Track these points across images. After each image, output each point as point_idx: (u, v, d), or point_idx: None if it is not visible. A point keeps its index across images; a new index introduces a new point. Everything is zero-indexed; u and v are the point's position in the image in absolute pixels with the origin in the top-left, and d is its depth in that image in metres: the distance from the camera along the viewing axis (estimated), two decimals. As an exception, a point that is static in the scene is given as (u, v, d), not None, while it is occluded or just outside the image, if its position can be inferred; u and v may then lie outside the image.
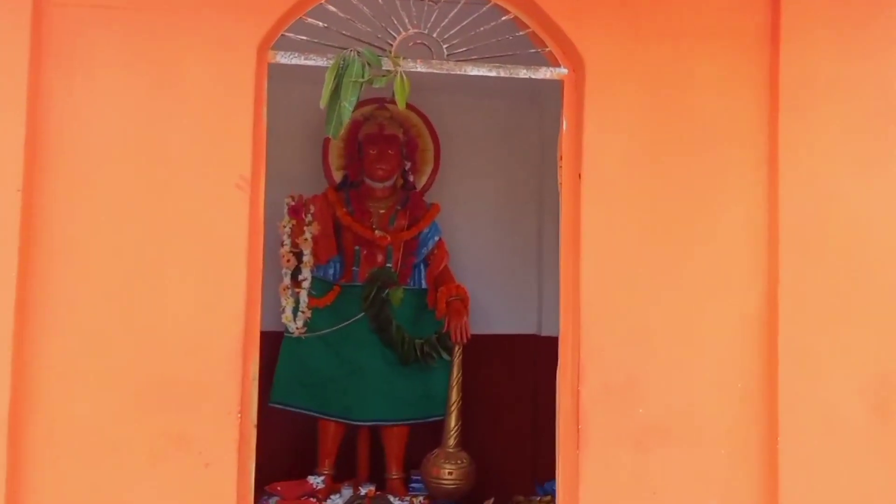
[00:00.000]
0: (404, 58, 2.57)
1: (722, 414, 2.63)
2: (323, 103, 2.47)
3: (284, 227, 4.20)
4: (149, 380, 2.35)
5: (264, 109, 2.51)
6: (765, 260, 2.68)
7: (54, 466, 2.28)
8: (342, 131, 2.63)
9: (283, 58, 2.57)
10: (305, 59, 2.59)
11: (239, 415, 2.36)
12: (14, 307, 2.25)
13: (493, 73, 2.69)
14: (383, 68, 2.53)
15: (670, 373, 2.62)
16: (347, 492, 4.08)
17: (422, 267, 4.49)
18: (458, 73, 2.68)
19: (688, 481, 2.61)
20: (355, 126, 4.51)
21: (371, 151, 4.41)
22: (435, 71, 2.66)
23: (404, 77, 2.54)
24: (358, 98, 2.50)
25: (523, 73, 2.71)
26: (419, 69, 2.63)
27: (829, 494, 2.63)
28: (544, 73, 2.74)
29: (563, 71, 2.72)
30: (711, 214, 2.69)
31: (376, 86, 2.53)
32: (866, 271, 2.74)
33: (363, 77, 2.49)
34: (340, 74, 2.49)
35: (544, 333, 4.83)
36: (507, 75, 2.70)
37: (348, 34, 2.57)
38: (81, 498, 2.30)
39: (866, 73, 2.79)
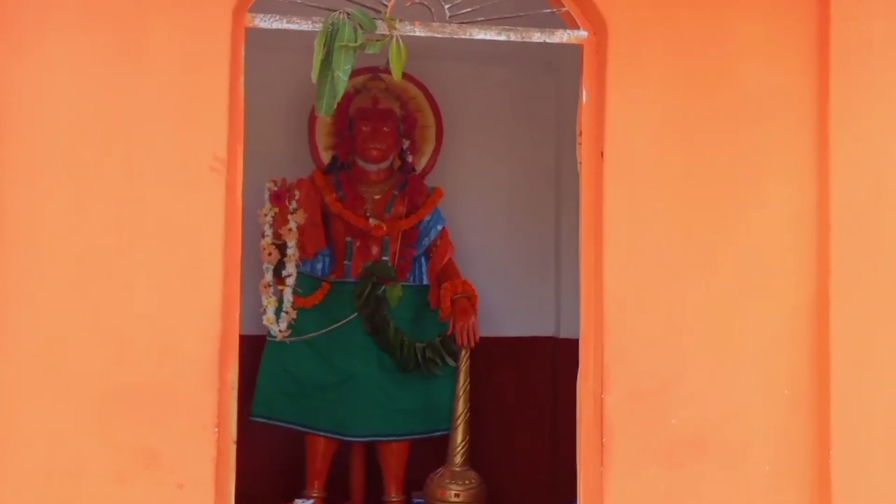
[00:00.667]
0: (401, 20, 2.57)
1: (766, 424, 2.64)
2: (314, 76, 2.46)
3: (266, 215, 4.20)
4: (114, 388, 2.36)
5: (241, 80, 2.52)
6: (814, 248, 2.69)
7: (9, 486, 2.30)
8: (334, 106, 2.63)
9: (262, 21, 2.58)
10: (287, 22, 2.59)
11: (216, 429, 2.38)
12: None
13: (503, 38, 2.69)
14: (377, 32, 2.53)
15: (707, 378, 2.63)
16: (340, 517, 4.11)
17: (423, 260, 4.51)
18: (463, 37, 2.67)
19: (728, 500, 2.62)
20: (346, 100, 4.50)
21: (364, 128, 4.41)
22: (436, 35, 2.66)
23: (401, 42, 2.54)
24: (352, 66, 2.50)
25: (537, 36, 2.71)
26: (418, 33, 2.63)
27: (888, 514, 2.65)
28: (561, 37, 2.74)
29: (583, 34, 2.72)
30: (753, 198, 2.69)
31: (369, 52, 2.52)
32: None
33: (355, 42, 2.49)
34: (330, 40, 2.49)
35: (563, 335, 4.84)
36: (519, 39, 2.70)
37: (337, -7, 2.58)
38: (38, 522, 2.32)
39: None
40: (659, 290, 2.64)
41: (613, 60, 2.64)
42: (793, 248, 2.69)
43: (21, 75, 2.37)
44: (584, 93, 2.73)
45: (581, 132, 2.74)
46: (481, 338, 4.32)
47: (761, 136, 2.70)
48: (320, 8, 2.54)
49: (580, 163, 2.76)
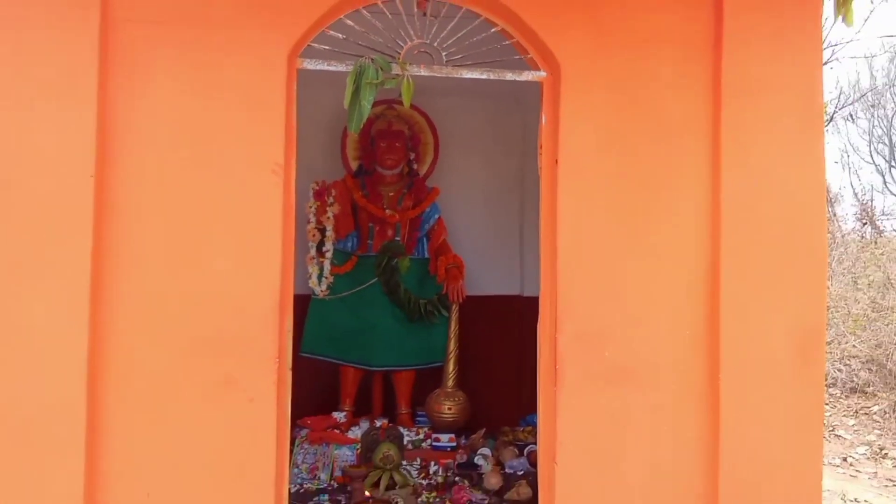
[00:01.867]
0: (410, 63, 2.55)
1: (673, 356, 2.65)
2: (346, 103, 2.45)
3: (310, 207, 4.19)
4: (202, 332, 2.34)
5: (294, 107, 2.49)
6: (709, 229, 2.69)
7: (125, 403, 2.29)
8: (361, 126, 2.60)
9: (310, 64, 2.55)
10: (328, 65, 2.57)
11: (277, 359, 2.37)
12: (90, 272, 2.24)
13: (484, 76, 2.67)
14: (393, 72, 2.51)
15: (632, 324, 2.63)
16: (365, 424, 4.11)
17: (424, 240, 4.50)
18: (455, 76, 2.65)
19: (646, 411, 2.63)
20: (368, 123, 4.49)
21: (382, 144, 4.40)
22: (436, 74, 2.63)
23: (410, 80, 2.52)
24: (374, 97, 2.48)
25: (509, 76, 2.69)
26: (422, 73, 2.60)
27: (762, 421, 2.65)
28: (527, 76, 2.72)
29: (542, 74, 2.70)
30: (666, 194, 2.68)
31: (387, 87, 2.50)
32: (792, 242, 2.74)
33: (377, 79, 2.47)
34: (359, 78, 2.47)
35: (526, 294, 4.85)
36: (496, 77, 2.68)
37: (364, 44, 2.55)
38: (147, 427, 2.30)
39: (792, 77, 2.78)
40: (598, 261, 2.63)
41: (565, 93, 2.62)
42: (694, 230, 2.68)
43: (134, 104, 2.34)
44: (543, 117, 2.71)
45: (541, 146, 2.72)
46: (467, 296, 4.33)
47: (672, 149, 2.69)
48: (351, 55, 2.52)
49: (540, 168, 2.74)
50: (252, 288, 2.37)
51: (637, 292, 2.64)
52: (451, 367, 4.28)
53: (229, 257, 2.37)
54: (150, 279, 2.32)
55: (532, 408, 4.45)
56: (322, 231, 4.18)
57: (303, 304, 4.12)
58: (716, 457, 2.62)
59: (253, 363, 2.36)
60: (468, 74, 2.66)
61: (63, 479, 2.20)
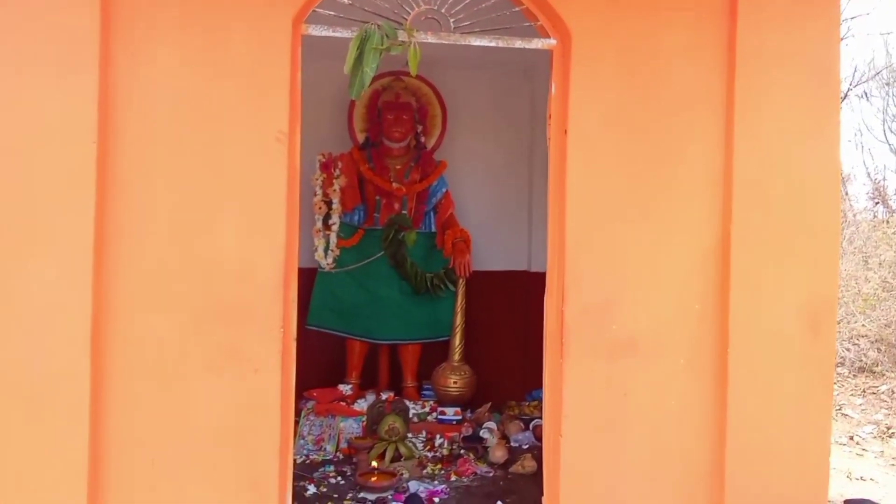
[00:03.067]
0: (417, 30, 2.49)
1: (682, 330, 2.61)
2: (347, 69, 2.40)
3: (317, 179, 4.16)
4: (206, 302, 2.32)
5: (299, 74, 2.44)
6: (720, 203, 2.64)
7: (129, 371, 2.27)
8: (363, 93, 2.54)
9: (314, 30, 2.49)
10: (333, 31, 2.51)
11: (282, 330, 2.35)
12: (93, 241, 2.22)
13: (493, 44, 2.61)
14: (399, 39, 2.45)
15: (639, 296, 2.59)
16: (371, 397, 4.11)
17: (431, 214, 4.46)
18: (463, 43, 2.59)
19: (652, 385, 2.61)
20: (375, 95, 4.43)
21: (389, 116, 4.34)
22: (443, 42, 2.57)
23: (417, 47, 2.46)
24: (378, 65, 2.42)
25: (518, 43, 2.63)
26: (430, 40, 2.54)
27: (770, 396, 2.62)
28: (536, 44, 2.65)
29: (553, 42, 2.64)
30: (676, 164, 2.63)
31: (393, 53, 2.45)
32: (803, 214, 2.70)
33: (382, 45, 2.41)
34: (363, 44, 2.41)
35: (533, 269, 4.82)
36: (505, 45, 2.61)
37: (369, 10, 2.49)
38: (151, 397, 2.29)
39: (809, 49, 2.71)
40: (606, 232, 2.59)
41: (576, 62, 2.55)
42: (705, 202, 2.64)
43: (136, 71, 2.29)
44: (553, 86, 2.65)
45: (550, 116, 2.67)
46: (474, 271, 4.30)
47: (683, 119, 2.63)
48: (357, 21, 2.46)
49: (549, 138, 2.69)
50: (257, 257, 2.34)
51: (645, 265, 2.60)
52: (457, 341, 4.27)
53: (234, 226, 2.34)
54: (153, 248, 2.29)
55: (537, 383, 4.43)
56: (328, 204, 4.14)
57: (309, 277, 4.10)
58: (723, 432, 2.59)
59: (258, 333, 2.34)
60: (476, 42, 2.59)
61: (68, 448, 2.19)
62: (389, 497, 3.19)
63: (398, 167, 4.38)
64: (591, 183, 2.57)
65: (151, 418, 2.28)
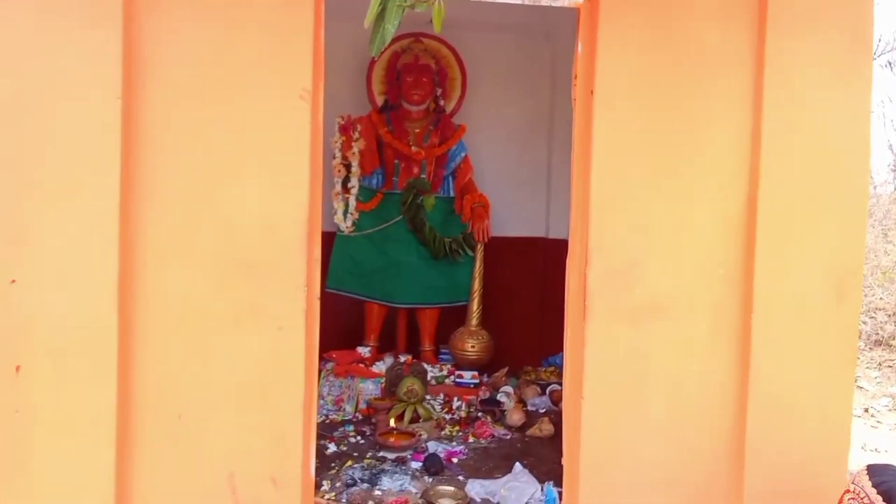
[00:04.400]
0: (443, -14, 2.44)
1: (705, 294, 2.58)
2: (367, 23, 2.34)
3: (336, 142, 4.14)
4: (231, 259, 2.32)
5: (322, 30, 2.40)
6: (748, 167, 2.59)
7: (155, 326, 2.28)
8: (382, 55, 2.48)
9: (339, -15, 2.45)
10: (357, -13, 2.46)
11: (306, 288, 2.35)
12: (119, 198, 2.22)
13: (518, 1, 2.55)
14: (424, -5, 2.40)
15: (663, 260, 2.56)
16: (389, 360, 4.14)
17: (450, 179, 4.44)
18: (489, 0, 2.54)
19: (675, 350, 2.59)
20: (394, 57, 4.39)
21: (408, 79, 4.30)
22: (469, -1, 2.53)
23: (442, 4, 2.41)
24: (400, 21, 2.37)
25: (545, 1, 2.57)
26: (455, -3, 2.49)
27: (792, 360, 2.61)
28: (563, 1, 2.59)
29: (580, 0, 2.58)
30: (703, 128, 2.58)
31: (417, 10, 2.38)
32: (832, 179, 2.65)
33: (406, 2, 2.36)
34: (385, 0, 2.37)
35: (551, 236, 4.81)
36: (531, 3, 2.56)
37: (394, -35, 2.43)
38: (177, 351, 2.30)
39: (841, 11, 2.63)
40: (630, 195, 2.55)
41: (604, 21, 2.49)
42: (732, 165, 2.59)
43: (158, 24, 2.27)
44: (579, 45, 2.59)
45: (576, 76, 2.61)
46: (492, 236, 4.29)
47: (711, 81, 2.57)
48: (382, -24, 2.41)
49: (574, 99, 2.64)
50: (280, 214, 2.34)
51: (670, 228, 2.56)
52: (474, 306, 4.28)
53: (257, 182, 2.33)
54: (179, 203, 2.29)
55: (554, 349, 4.47)
56: (347, 167, 4.13)
57: (327, 241, 4.10)
58: (744, 396, 2.58)
59: (282, 291, 2.34)
60: (503, -1, 2.54)
61: (96, 400, 2.22)
62: (409, 456, 3.23)
63: (417, 130, 4.35)
64: (617, 144, 2.53)
65: (178, 372, 2.30)
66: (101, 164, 2.21)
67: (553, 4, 2.58)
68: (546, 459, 3.19)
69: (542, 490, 2.86)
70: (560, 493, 2.74)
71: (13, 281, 2.19)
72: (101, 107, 2.20)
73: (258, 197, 2.33)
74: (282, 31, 2.33)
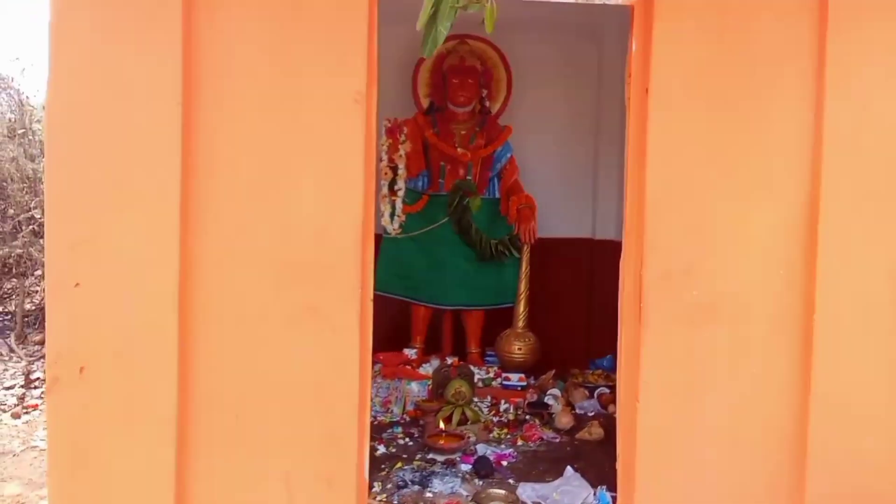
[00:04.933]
0: (496, -13, 2.43)
1: (765, 295, 2.52)
2: (420, 25, 2.34)
3: (382, 145, 4.14)
4: (286, 262, 2.35)
5: (375, 33, 2.42)
6: (809, 164, 2.52)
7: (214, 328, 2.33)
8: (434, 53, 2.48)
9: (392, -13, 2.46)
10: (409, -11, 2.47)
11: (360, 290, 2.37)
12: (179, 202, 2.26)
13: (572, 0, 2.53)
14: (477, -3, 2.39)
15: (722, 261, 2.51)
16: (435, 362, 4.14)
17: (496, 180, 4.42)
18: (541, 0, 2.52)
19: (733, 354, 2.53)
20: (439, 59, 4.39)
21: (454, 81, 4.29)
22: (521, -1, 2.51)
23: (494, 4, 2.40)
24: (453, 23, 2.38)
25: (598, 0, 2.55)
26: (507, -3, 2.48)
27: (857, 363, 2.53)
28: (616, 0, 2.56)
29: (634, -3, 2.55)
30: (763, 123, 2.52)
31: (470, 11, 2.39)
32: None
33: (459, 3, 2.36)
34: (438, 2, 2.36)
35: (598, 237, 4.76)
36: (585, 1, 2.54)
37: (446, -33, 2.43)
38: (234, 353, 2.34)
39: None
40: (687, 193, 2.51)
41: (659, 19, 2.45)
42: (793, 163, 2.52)
43: (219, 31, 2.31)
44: (633, 44, 2.55)
45: (630, 74, 2.57)
46: (538, 237, 4.26)
47: (771, 76, 2.51)
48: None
49: (628, 99, 2.60)
50: (335, 217, 2.36)
51: (729, 229, 2.51)
52: (521, 308, 4.25)
53: (313, 186, 2.35)
54: (236, 207, 2.32)
55: (601, 351, 4.42)
56: (394, 169, 4.13)
57: (376, 242, 4.12)
58: (806, 399, 2.51)
59: (336, 293, 2.37)
60: (554, -1, 2.53)
61: (156, 402, 2.27)
62: (458, 459, 3.22)
63: (463, 132, 4.34)
64: (673, 143, 2.49)
65: (235, 373, 2.34)
66: (161, 168, 2.26)
67: (608, 2, 2.55)
68: (597, 463, 3.15)
69: (594, 494, 2.82)
70: (614, 498, 2.70)
71: (77, 284, 2.25)
72: (161, 112, 2.25)
73: (313, 200, 2.35)
74: (336, 34, 2.35)
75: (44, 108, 2.38)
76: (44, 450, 3.49)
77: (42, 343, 5.11)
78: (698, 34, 2.49)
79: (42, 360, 4.81)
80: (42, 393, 4.34)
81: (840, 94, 2.51)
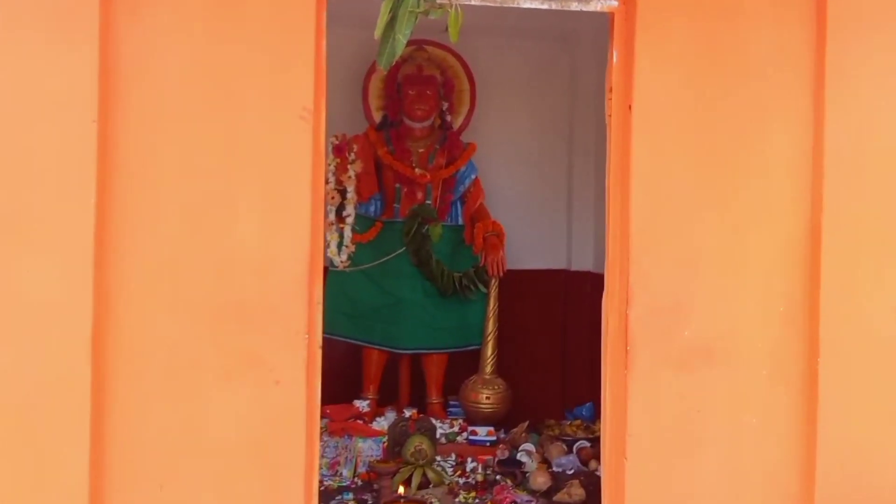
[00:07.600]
0: (460, -9, 2.48)
1: (764, 336, 2.60)
2: (377, 34, 2.38)
3: (329, 165, 4.14)
4: (222, 302, 2.33)
5: (324, 42, 2.44)
6: (809, 188, 2.62)
7: (135, 382, 2.27)
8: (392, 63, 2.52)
9: (342, -9, 2.49)
10: (363, -8, 2.51)
11: (307, 335, 2.35)
12: (94, 233, 2.22)
13: (545, 6, 2.59)
14: (438, 1, 2.44)
15: (715, 297, 2.58)
16: (391, 414, 4.12)
17: (459, 204, 4.48)
18: (511, 6, 2.58)
19: (730, 400, 2.59)
20: (394, 67, 4.42)
21: (410, 92, 4.35)
22: (488, 3, 2.56)
23: (459, 9, 2.45)
24: (412, 30, 2.42)
25: (574, 5, 2.61)
26: (473, 2, 2.53)
27: (866, 410, 2.61)
28: (595, 6, 2.63)
29: (614, 3, 2.62)
30: (758, 143, 2.61)
31: (431, 17, 2.43)
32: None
33: (419, 8, 2.40)
34: (396, 6, 2.40)
35: (574, 268, 4.83)
36: (559, 7, 2.61)
37: (405, -33, 2.48)
38: (160, 411, 2.29)
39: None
40: (676, 223, 2.58)
41: (641, 27, 2.54)
42: (791, 186, 2.62)
43: (142, 40, 2.29)
44: (614, 54, 2.63)
45: (611, 89, 2.65)
46: (508, 269, 4.31)
47: (765, 90, 2.61)
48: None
49: (609, 115, 2.67)
50: (278, 251, 2.35)
51: (723, 260, 2.58)
52: (489, 350, 4.28)
53: (252, 215, 2.34)
54: (163, 240, 2.29)
55: (579, 398, 4.47)
56: (342, 193, 4.14)
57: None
58: (812, 453, 2.58)
59: (279, 340, 2.35)
60: (526, 4, 2.58)
61: (66, 468, 2.20)
62: (420, 529, 3.19)
63: (421, 150, 4.39)
64: (660, 165, 2.56)
65: (161, 435, 2.29)
66: (73, 196, 2.22)
67: (584, 9, 2.63)
68: (580, 530, 3.16)
69: (578, 566, 2.83)
70: (600, 570, 2.71)
71: (-30, 331, 2.18)
72: (73, 131, 2.22)
73: (253, 231, 2.34)
74: (279, 43, 2.37)
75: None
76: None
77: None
78: (686, 44, 2.58)
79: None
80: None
81: (840, 109, 2.62)
